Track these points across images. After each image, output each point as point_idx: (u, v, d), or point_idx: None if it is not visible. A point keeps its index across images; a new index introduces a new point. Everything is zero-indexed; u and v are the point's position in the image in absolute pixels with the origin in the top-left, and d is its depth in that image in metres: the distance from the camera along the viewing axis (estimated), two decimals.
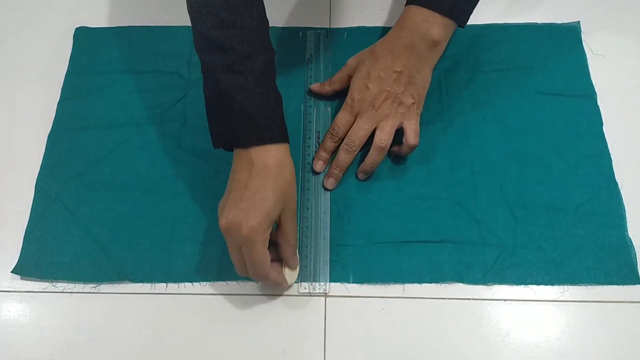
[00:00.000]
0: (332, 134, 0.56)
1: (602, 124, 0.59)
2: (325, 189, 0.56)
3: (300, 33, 0.65)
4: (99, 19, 0.67)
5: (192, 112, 0.60)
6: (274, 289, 0.51)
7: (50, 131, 0.60)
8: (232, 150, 0.48)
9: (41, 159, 0.58)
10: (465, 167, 0.56)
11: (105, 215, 0.55)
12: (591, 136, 0.58)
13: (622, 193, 0.55)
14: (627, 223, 0.53)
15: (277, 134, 0.47)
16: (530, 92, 0.60)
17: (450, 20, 0.53)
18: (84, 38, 0.66)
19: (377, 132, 0.54)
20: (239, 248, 0.46)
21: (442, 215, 0.54)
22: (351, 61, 0.58)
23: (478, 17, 0.66)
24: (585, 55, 0.63)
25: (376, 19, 0.67)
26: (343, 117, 0.56)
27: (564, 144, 0.57)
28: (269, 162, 0.46)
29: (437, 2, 0.52)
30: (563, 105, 0.60)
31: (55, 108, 0.61)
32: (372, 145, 0.54)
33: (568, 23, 0.65)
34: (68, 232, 0.54)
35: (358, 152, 0.56)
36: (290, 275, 0.50)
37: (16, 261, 0.53)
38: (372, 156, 0.54)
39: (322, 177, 0.56)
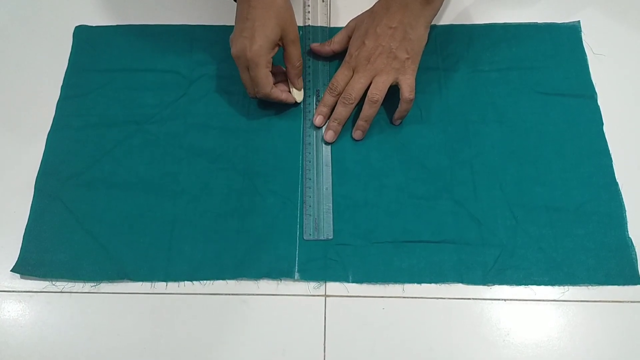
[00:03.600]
0: (332, 89, 0.58)
1: (602, 123, 0.59)
2: (326, 143, 0.58)
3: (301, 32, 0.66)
4: (99, 18, 0.67)
5: (192, 110, 0.60)
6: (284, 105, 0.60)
7: (50, 130, 0.59)
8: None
9: (41, 157, 0.58)
10: (465, 166, 0.56)
11: (105, 214, 0.55)
12: (591, 136, 0.58)
13: (622, 193, 0.55)
14: (628, 223, 0.53)
15: None
16: (531, 92, 0.60)
17: None
18: (84, 36, 0.65)
19: (370, 87, 0.57)
20: (247, 70, 0.55)
21: (442, 215, 0.54)
22: (351, 22, 0.61)
23: (478, 17, 0.66)
24: (586, 55, 0.63)
25: None
26: (342, 72, 0.59)
27: (564, 143, 0.57)
28: None
29: None
30: (563, 105, 0.59)
31: (55, 106, 0.61)
32: (365, 100, 0.57)
33: (568, 23, 0.65)
34: (68, 231, 0.54)
35: (355, 106, 0.58)
36: (297, 94, 0.59)
37: (15, 260, 0.53)
38: (365, 110, 0.57)
39: (323, 132, 0.59)
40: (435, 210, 0.54)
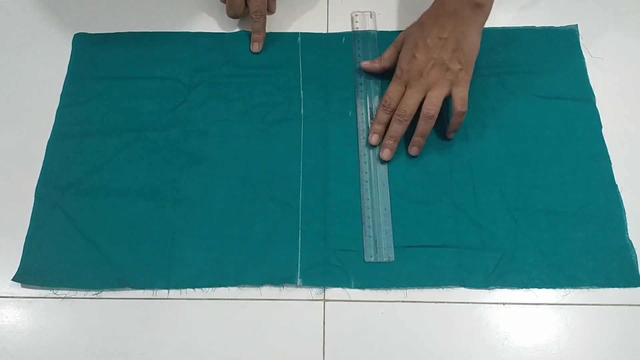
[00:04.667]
0: (385, 106, 0.57)
1: (601, 126, 0.59)
2: (382, 161, 0.57)
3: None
4: (98, 25, 0.67)
5: (192, 117, 0.60)
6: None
7: (50, 138, 0.59)
8: None
9: (41, 165, 0.58)
10: (465, 170, 0.57)
11: (105, 222, 0.55)
12: (590, 139, 0.58)
13: (621, 195, 0.55)
14: (628, 225, 0.54)
15: None
16: (529, 96, 0.61)
17: None
18: (83, 44, 0.66)
19: (424, 102, 0.55)
20: None
21: (443, 220, 0.54)
22: (400, 37, 0.60)
23: None
24: (584, 59, 0.63)
25: (375, 22, 0.67)
26: (394, 88, 0.57)
27: (563, 147, 0.58)
28: None
29: None
30: (562, 109, 0.60)
31: (55, 114, 0.61)
32: (420, 115, 0.55)
33: (566, 26, 0.65)
34: (68, 239, 0.54)
35: (410, 121, 0.56)
36: None
37: (16, 268, 0.52)
38: (421, 126, 0.55)
39: (378, 150, 0.57)
40: (435, 215, 0.54)
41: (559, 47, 0.64)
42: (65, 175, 0.57)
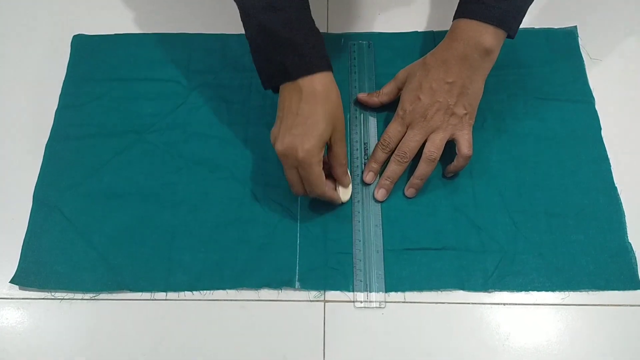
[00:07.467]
0: (384, 145, 0.56)
1: (600, 128, 0.59)
2: (376, 201, 0.55)
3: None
4: (97, 27, 0.67)
5: (191, 119, 0.60)
6: (330, 205, 0.55)
7: (48, 140, 0.59)
8: (278, 90, 0.52)
9: (39, 167, 0.58)
10: (465, 173, 0.56)
11: (104, 224, 0.55)
12: (590, 141, 0.58)
13: (621, 198, 0.55)
14: (627, 228, 0.54)
15: (322, 62, 0.49)
16: (528, 98, 0.61)
17: (501, 30, 0.52)
18: (82, 45, 0.66)
19: (427, 144, 0.54)
20: (296, 170, 0.50)
21: (442, 222, 0.54)
22: (401, 74, 0.58)
23: None
24: (583, 60, 0.63)
25: (374, 23, 0.67)
26: (394, 127, 0.55)
27: (562, 149, 0.58)
28: (317, 88, 0.49)
29: (487, 13, 0.52)
30: (561, 111, 0.60)
31: (53, 116, 0.61)
32: (422, 157, 0.54)
33: (565, 28, 0.65)
34: (67, 242, 0.54)
35: (409, 163, 0.55)
36: (343, 192, 0.54)
37: (14, 270, 0.52)
38: (421, 168, 0.54)
39: (372, 189, 0.56)
40: (435, 217, 0.54)
41: (558, 48, 0.64)
42: (64, 177, 0.57)
